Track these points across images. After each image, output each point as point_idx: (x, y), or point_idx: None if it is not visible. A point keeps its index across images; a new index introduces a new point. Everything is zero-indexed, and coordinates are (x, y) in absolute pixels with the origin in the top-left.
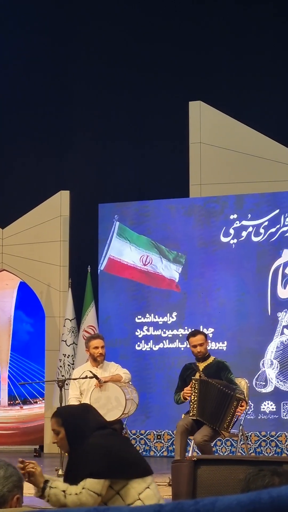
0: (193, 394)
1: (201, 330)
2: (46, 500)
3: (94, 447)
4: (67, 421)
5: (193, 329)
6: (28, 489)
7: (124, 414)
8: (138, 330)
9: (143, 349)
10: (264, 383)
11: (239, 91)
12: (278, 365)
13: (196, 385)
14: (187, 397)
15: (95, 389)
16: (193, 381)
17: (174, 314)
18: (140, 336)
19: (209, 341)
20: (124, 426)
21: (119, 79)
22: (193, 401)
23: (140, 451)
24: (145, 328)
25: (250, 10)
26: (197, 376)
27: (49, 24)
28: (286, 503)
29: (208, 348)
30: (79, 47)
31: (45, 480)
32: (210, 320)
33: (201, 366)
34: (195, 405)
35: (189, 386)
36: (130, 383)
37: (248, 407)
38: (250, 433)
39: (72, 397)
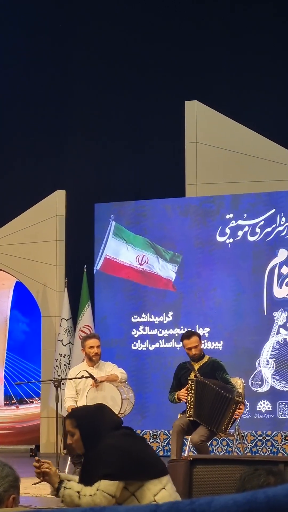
0: (190, 395)
1: (196, 330)
2: (60, 501)
3: (109, 448)
4: (81, 422)
5: (187, 330)
6: (25, 488)
7: (120, 413)
8: (134, 329)
9: (139, 348)
10: (260, 383)
11: (235, 90)
12: (274, 364)
13: (193, 386)
14: (183, 399)
15: (91, 389)
16: (190, 381)
17: (170, 313)
18: (136, 335)
19: (205, 340)
20: None
21: (115, 79)
22: (189, 402)
23: None
24: (141, 327)
25: (247, 9)
26: (192, 376)
27: (47, 25)
28: (281, 502)
29: (204, 347)
30: (77, 47)
31: (60, 480)
32: (206, 320)
33: (196, 365)
34: (191, 406)
35: (185, 388)
36: (126, 382)
37: (244, 409)
38: (246, 433)
39: (68, 397)
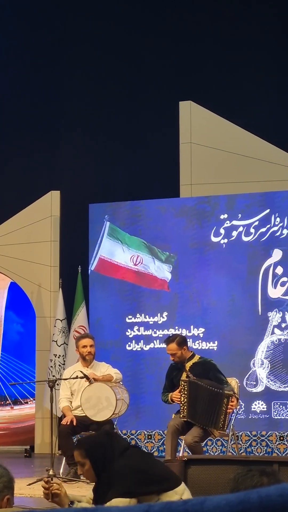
0: (183, 396)
1: (191, 330)
2: None
3: (120, 469)
4: (91, 452)
5: (172, 334)
6: (20, 489)
7: (114, 414)
8: (128, 330)
9: (134, 349)
10: (254, 383)
11: (229, 91)
12: (269, 364)
13: (186, 386)
14: (176, 401)
15: (86, 389)
16: (182, 383)
17: (165, 314)
18: (130, 336)
19: (200, 341)
20: (115, 426)
21: (110, 79)
22: (183, 402)
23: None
24: (135, 328)
25: (241, 10)
26: (184, 376)
27: (44, 25)
28: (274, 503)
29: (199, 348)
30: (73, 47)
31: (70, 501)
32: (201, 320)
33: (187, 365)
34: (185, 407)
35: (178, 390)
36: (121, 383)
37: (238, 404)
38: (240, 433)
39: (63, 398)
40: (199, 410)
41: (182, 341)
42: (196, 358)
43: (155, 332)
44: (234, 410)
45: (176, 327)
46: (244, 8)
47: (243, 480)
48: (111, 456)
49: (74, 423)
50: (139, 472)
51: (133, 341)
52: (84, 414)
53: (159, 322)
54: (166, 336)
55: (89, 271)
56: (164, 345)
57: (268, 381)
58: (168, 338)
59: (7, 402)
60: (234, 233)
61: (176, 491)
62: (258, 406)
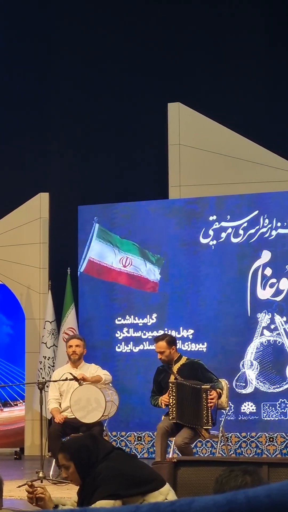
0: (171, 398)
1: (180, 331)
2: None
3: (104, 471)
4: (75, 455)
5: (160, 333)
6: (9, 491)
7: (104, 416)
8: (118, 331)
9: (124, 350)
10: (244, 384)
11: (218, 92)
12: (258, 366)
13: (174, 388)
14: (166, 403)
15: (75, 391)
16: (170, 384)
17: (154, 315)
18: (120, 338)
19: (189, 342)
20: (104, 428)
21: (98, 80)
22: (171, 404)
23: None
24: (125, 329)
25: (228, 12)
26: (172, 378)
27: (29, 27)
28: (262, 503)
29: (188, 349)
30: (59, 50)
31: (55, 505)
32: (190, 321)
33: (175, 367)
34: (174, 409)
35: (167, 394)
36: (111, 384)
37: (218, 397)
38: (230, 434)
39: (51, 399)
40: (185, 411)
41: (171, 341)
42: (183, 360)
43: (144, 334)
44: (224, 411)
45: (166, 329)
46: (233, 10)
47: (227, 481)
48: (95, 459)
49: (62, 421)
50: (124, 474)
51: (123, 343)
52: (73, 416)
53: (149, 324)
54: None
55: (78, 273)
56: (153, 347)
57: (258, 383)
58: (158, 337)
59: None
60: (223, 235)
61: (161, 491)
62: (248, 407)
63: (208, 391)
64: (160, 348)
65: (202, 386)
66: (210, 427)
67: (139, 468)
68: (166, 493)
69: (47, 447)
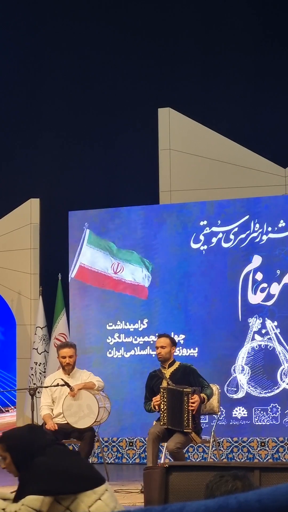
0: (162, 403)
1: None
2: None
3: (38, 465)
4: (11, 446)
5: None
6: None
7: (96, 422)
8: (109, 337)
9: (115, 356)
10: (235, 389)
11: (208, 97)
12: (249, 370)
13: (165, 393)
14: (157, 405)
15: (68, 397)
16: (161, 390)
17: (145, 321)
18: (111, 343)
19: (180, 347)
20: (96, 434)
21: (88, 85)
22: (162, 410)
23: (112, 458)
24: (116, 335)
25: (218, 20)
26: (164, 384)
27: (17, 34)
28: (253, 507)
29: (179, 354)
30: (52, 53)
31: None
32: (181, 326)
33: (167, 372)
34: (165, 414)
35: (158, 396)
36: (103, 391)
37: (202, 401)
38: (222, 439)
39: (44, 405)
40: (175, 415)
41: (174, 342)
42: (176, 364)
43: (135, 339)
44: (216, 416)
45: (157, 334)
46: (223, 18)
47: (218, 487)
48: (31, 451)
49: (55, 429)
50: (57, 470)
51: (114, 348)
52: (65, 422)
53: (140, 329)
54: (146, 343)
55: (69, 278)
56: (144, 352)
57: (249, 387)
58: (163, 334)
59: None
60: (214, 240)
61: (95, 491)
62: (239, 412)
63: (190, 395)
64: (163, 343)
65: (184, 389)
66: (190, 431)
67: (76, 466)
68: (100, 493)
69: None
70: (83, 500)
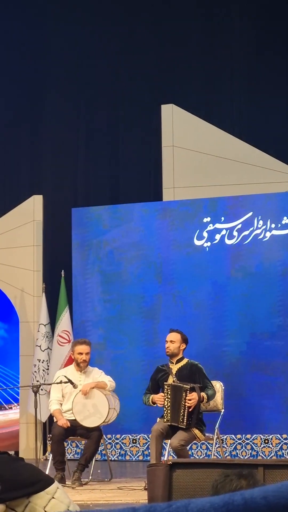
0: (166, 399)
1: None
2: None
3: None
4: None
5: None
6: None
7: (105, 422)
8: (112, 334)
9: (118, 353)
10: None
11: (211, 94)
12: None
13: (169, 390)
14: (158, 403)
15: (79, 394)
16: (166, 386)
17: (148, 317)
18: (115, 340)
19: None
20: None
21: (91, 82)
22: (166, 406)
23: (115, 456)
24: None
25: (222, 14)
26: (170, 380)
27: (19, 38)
28: (259, 504)
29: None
30: (51, 49)
31: None
32: (184, 323)
33: (174, 368)
34: (168, 411)
35: (161, 394)
36: (113, 391)
37: (201, 401)
38: (225, 436)
39: (54, 400)
40: (174, 410)
41: (185, 338)
42: (184, 362)
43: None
44: (219, 413)
45: (170, 329)
46: (226, 13)
47: (223, 486)
48: None
49: (68, 426)
50: (5, 478)
51: (117, 345)
52: (73, 418)
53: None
54: (150, 339)
55: (73, 275)
56: (148, 348)
57: None
58: (175, 329)
59: None
60: (217, 236)
61: (47, 491)
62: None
63: (188, 391)
64: (173, 338)
65: (184, 385)
66: (184, 427)
67: (22, 471)
68: (53, 492)
69: (43, 449)
70: (36, 502)
